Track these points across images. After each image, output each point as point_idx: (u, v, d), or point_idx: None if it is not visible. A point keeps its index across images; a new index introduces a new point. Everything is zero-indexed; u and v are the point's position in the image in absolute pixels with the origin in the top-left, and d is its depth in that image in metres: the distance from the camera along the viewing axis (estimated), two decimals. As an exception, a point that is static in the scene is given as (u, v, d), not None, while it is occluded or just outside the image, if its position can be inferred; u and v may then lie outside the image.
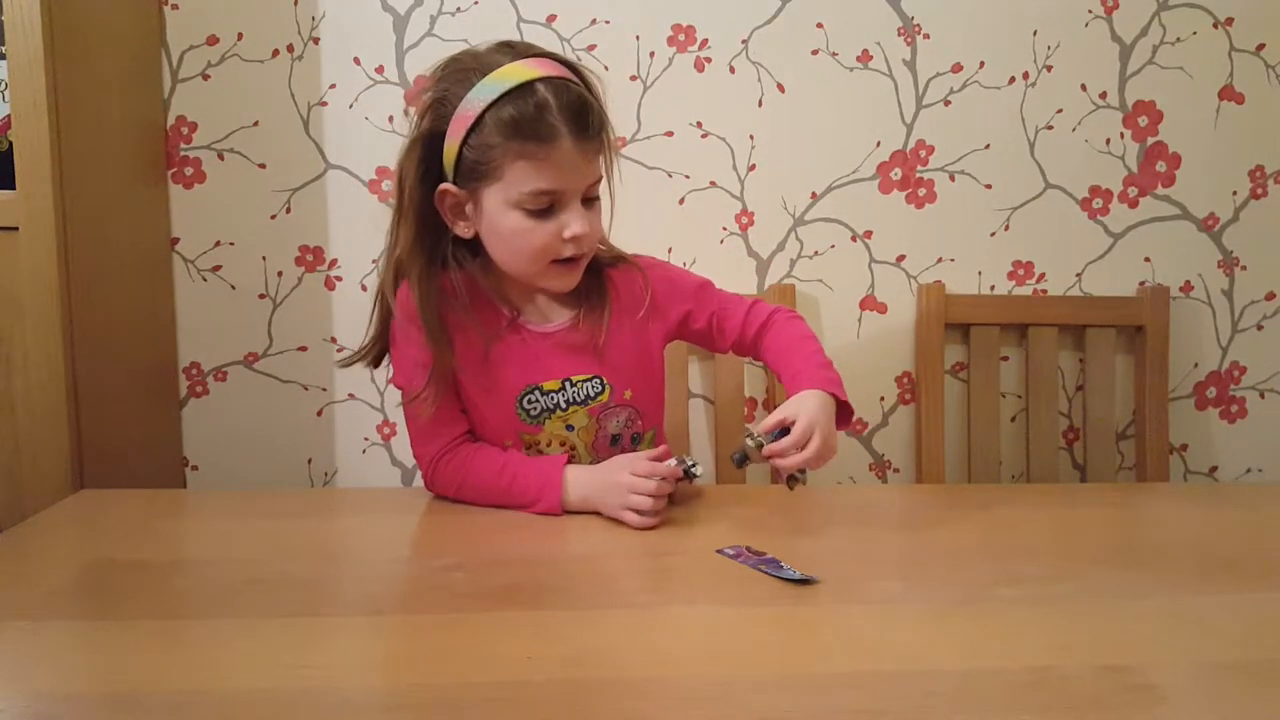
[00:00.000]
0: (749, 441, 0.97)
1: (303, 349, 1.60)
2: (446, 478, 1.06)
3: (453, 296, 1.05)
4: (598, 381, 1.09)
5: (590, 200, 1.02)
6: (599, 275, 1.10)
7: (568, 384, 1.08)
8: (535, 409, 1.07)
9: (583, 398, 1.08)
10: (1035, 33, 1.61)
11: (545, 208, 0.98)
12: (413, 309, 1.03)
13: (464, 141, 0.98)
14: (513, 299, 1.08)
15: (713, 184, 1.61)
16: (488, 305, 1.07)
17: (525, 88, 0.95)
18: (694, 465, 1.01)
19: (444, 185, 1.01)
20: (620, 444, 1.13)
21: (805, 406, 0.98)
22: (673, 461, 1.00)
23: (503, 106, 0.95)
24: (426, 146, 1.01)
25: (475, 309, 1.06)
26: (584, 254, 1.03)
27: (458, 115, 0.97)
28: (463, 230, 1.03)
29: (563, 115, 0.95)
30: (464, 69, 0.98)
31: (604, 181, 1.05)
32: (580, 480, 1.02)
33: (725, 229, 1.63)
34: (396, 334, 1.08)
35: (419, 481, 1.12)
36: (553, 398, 1.07)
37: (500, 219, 0.99)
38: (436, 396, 1.04)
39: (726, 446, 1.59)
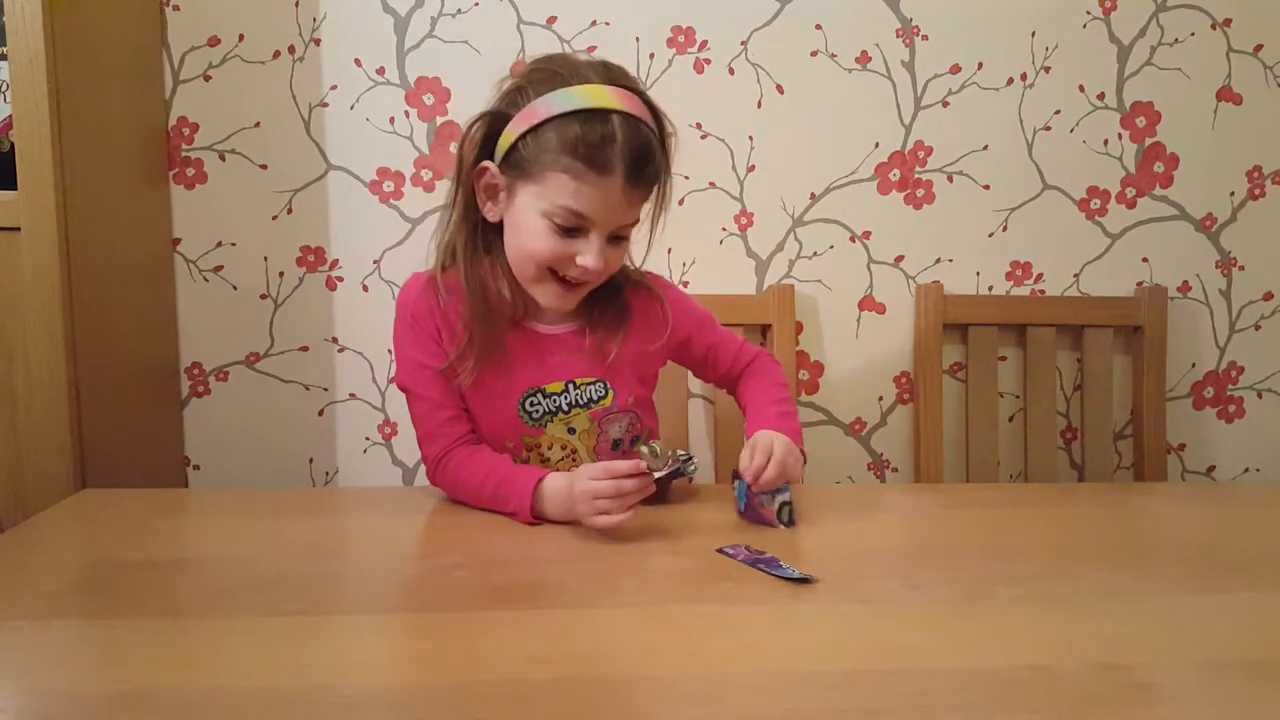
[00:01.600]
0: (644, 448, 0.98)
1: (304, 349, 1.60)
2: (445, 479, 1.07)
3: (488, 278, 1.06)
4: (601, 385, 1.09)
5: (619, 239, 1.03)
6: (617, 294, 1.11)
7: (571, 386, 1.08)
8: (537, 411, 1.08)
9: (585, 401, 1.09)
10: (1033, 34, 1.61)
11: (571, 228, 0.99)
12: (421, 308, 1.05)
13: (523, 135, 0.99)
14: (525, 296, 1.08)
15: (712, 185, 1.62)
16: (499, 298, 1.07)
17: (601, 113, 0.96)
18: (688, 460, 1.00)
19: (485, 163, 1.02)
20: (621, 448, 1.13)
21: (763, 436, 1.03)
22: (646, 449, 0.98)
23: (572, 121, 0.96)
24: (492, 124, 1.03)
25: (492, 298, 1.06)
26: (588, 282, 1.04)
27: (528, 108, 0.99)
28: (489, 212, 1.04)
29: (624, 153, 0.96)
30: (553, 70, 1.00)
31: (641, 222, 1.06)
32: (553, 496, 0.99)
33: (725, 229, 1.63)
34: (400, 334, 1.08)
35: (420, 481, 1.12)
36: (555, 400, 1.08)
37: (525, 217, 1.00)
38: (477, 359, 1.04)
39: (726, 447, 1.60)
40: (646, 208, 1.06)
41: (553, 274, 1.02)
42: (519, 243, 1.02)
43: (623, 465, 0.94)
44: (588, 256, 0.99)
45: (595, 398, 1.09)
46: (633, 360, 1.11)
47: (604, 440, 1.11)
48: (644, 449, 0.97)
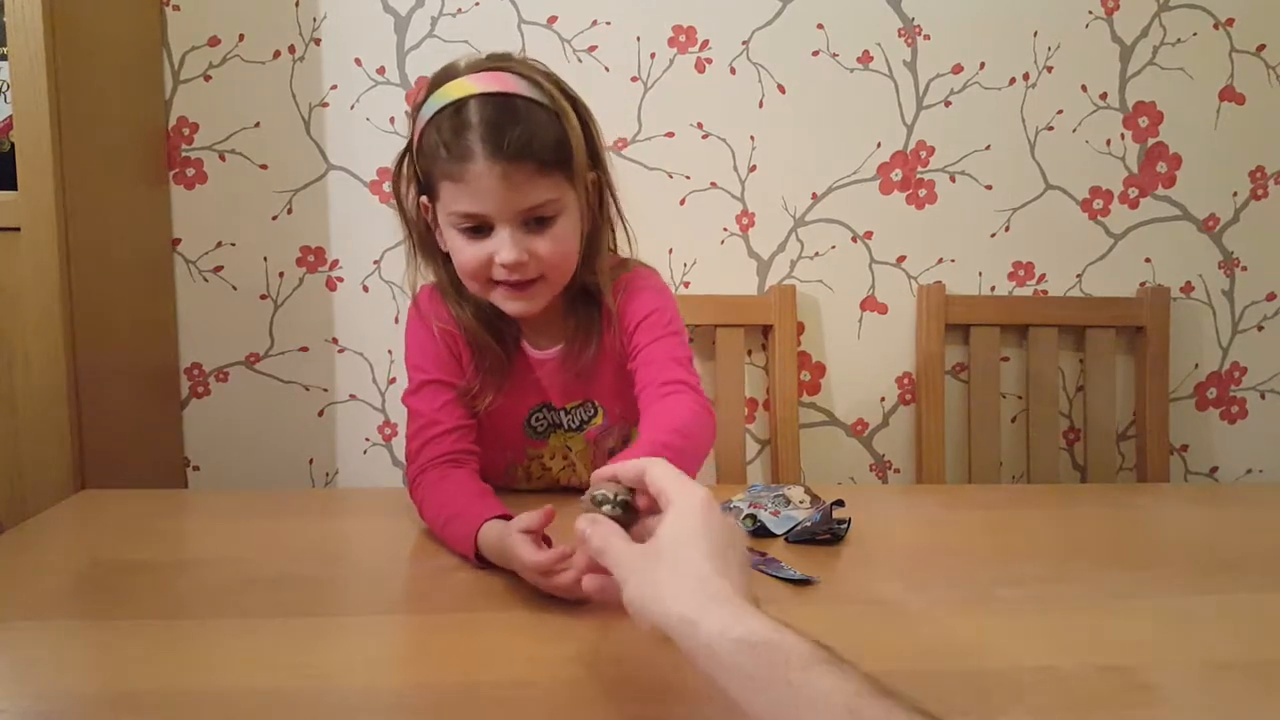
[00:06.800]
0: (586, 499, 0.66)
1: (304, 349, 1.60)
2: (416, 500, 1.00)
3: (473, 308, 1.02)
4: (590, 406, 1.07)
5: (542, 222, 0.92)
6: (593, 309, 1.03)
7: (563, 413, 1.06)
8: (542, 425, 1.07)
9: (578, 424, 1.07)
10: (1035, 33, 1.61)
11: (477, 229, 0.92)
12: (443, 315, 1.01)
13: (415, 158, 0.95)
14: (509, 317, 1.02)
15: (713, 185, 1.61)
16: (494, 324, 1.03)
17: (458, 105, 0.90)
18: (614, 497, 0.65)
19: (423, 199, 0.98)
20: (616, 456, 1.12)
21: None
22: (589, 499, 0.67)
23: (435, 125, 0.91)
24: (412, 159, 0.97)
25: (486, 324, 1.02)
26: (532, 278, 0.94)
27: (416, 128, 0.94)
28: (441, 243, 0.98)
29: (478, 134, 0.88)
30: (433, 81, 0.94)
31: (576, 194, 0.95)
32: (489, 549, 0.85)
33: (726, 230, 1.63)
34: (414, 341, 1.04)
35: (419, 482, 1.11)
36: (558, 415, 1.07)
37: (447, 235, 0.95)
38: (493, 394, 1.00)
39: (727, 447, 1.59)
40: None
41: (493, 281, 0.95)
42: (455, 262, 0.96)
43: (544, 560, 0.75)
44: (502, 252, 0.90)
45: (586, 418, 1.07)
46: (614, 375, 1.05)
47: (600, 454, 1.09)
48: (586, 499, 0.66)
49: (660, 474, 0.61)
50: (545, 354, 1.04)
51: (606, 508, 0.63)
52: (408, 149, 0.97)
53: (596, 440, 1.09)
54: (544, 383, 1.05)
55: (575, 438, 1.08)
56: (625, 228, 1.04)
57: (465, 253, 0.93)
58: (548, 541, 0.79)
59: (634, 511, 0.64)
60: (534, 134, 0.89)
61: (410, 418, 1.02)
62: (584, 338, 1.02)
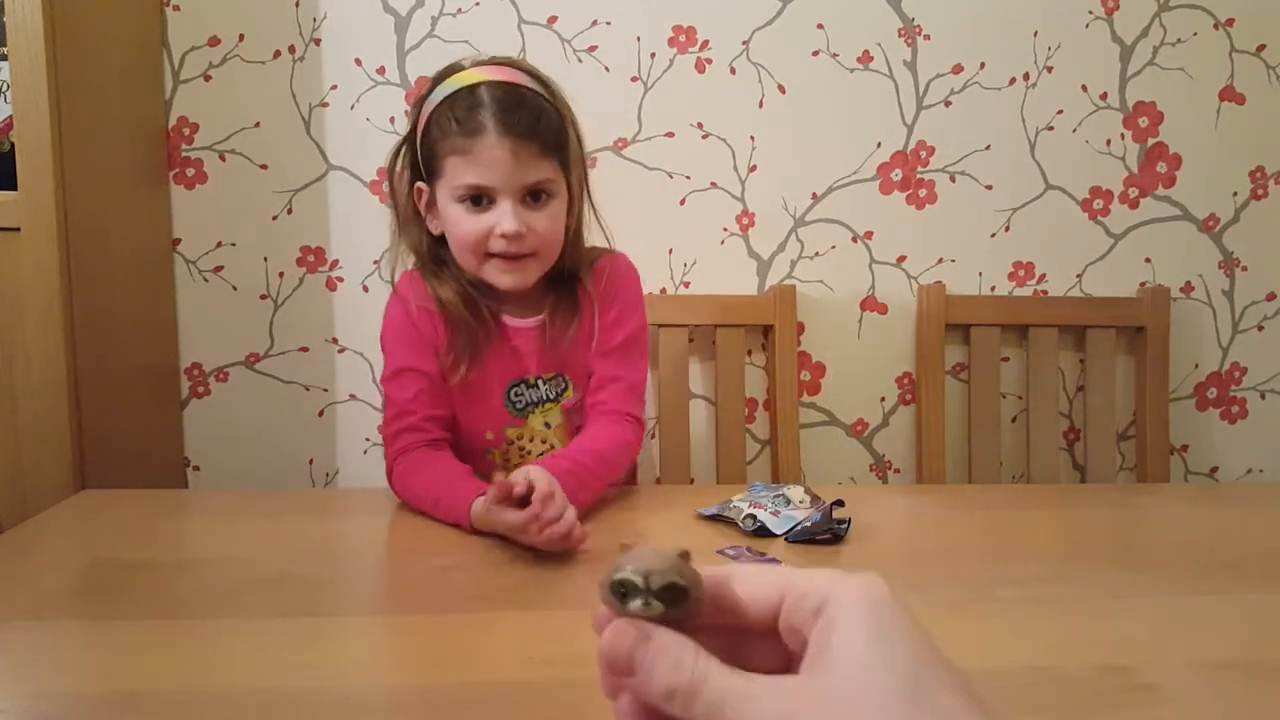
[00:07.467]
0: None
1: (304, 349, 1.60)
2: (396, 485, 1.04)
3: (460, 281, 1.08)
4: (561, 380, 1.11)
5: (539, 200, 1.02)
6: (573, 289, 1.10)
7: (541, 382, 1.10)
8: (521, 401, 1.09)
9: (554, 395, 1.11)
10: (1036, 33, 1.61)
11: (480, 202, 1.01)
12: (423, 296, 1.06)
13: (420, 142, 1.04)
14: (492, 290, 1.07)
15: (713, 185, 1.61)
16: (470, 299, 1.08)
17: (469, 89, 1.00)
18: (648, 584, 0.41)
19: (419, 184, 1.06)
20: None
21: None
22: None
23: (445, 107, 1.00)
24: (411, 147, 1.07)
25: (465, 299, 1.08)
26: (526, 253, 1.02)
27: (421, 116, 1.04)
28: (433, 226, 1.07)
29: (491, 112, 0.98)
30: (438, 76, 1.05)
31: (566, 183, 1.04)
32: (481, 521, 0.93)
33: (726, 230, 1.63)
34: (393, 329, 1.09)
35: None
36: (537, 390, 1.10)
37: (446, 213, 1.03)
38: (467, 366, 1.06)
39: (727, 447, 1.59)
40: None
41: (489, 255, 1.03)
42: (451, 238, 1.04)
43: (521, 519, 0.86)
44: (503, 223, 0.99)
45: (559, 391, 1.11)
46: (586, 355, 1.11)
47: (574, 430, 1.12)
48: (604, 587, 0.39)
49: (768, 574, 0.36)
50: (525, 323, 1.10)
51: (637, 603, 0.36)
52: (408, 137, 1.07)
53: (569, 415, 1.12)
54: (522, 350, 1.10)
55: (553, 409, 1.11)
56: (601, 226, 1.13)
57: (465, 225, 1.01)
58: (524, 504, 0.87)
59: (685, 605, 0.36)
60: (539, 119, 1.00)
61: (386, 402, 1.09)
62: (564, 314, 1.10)
